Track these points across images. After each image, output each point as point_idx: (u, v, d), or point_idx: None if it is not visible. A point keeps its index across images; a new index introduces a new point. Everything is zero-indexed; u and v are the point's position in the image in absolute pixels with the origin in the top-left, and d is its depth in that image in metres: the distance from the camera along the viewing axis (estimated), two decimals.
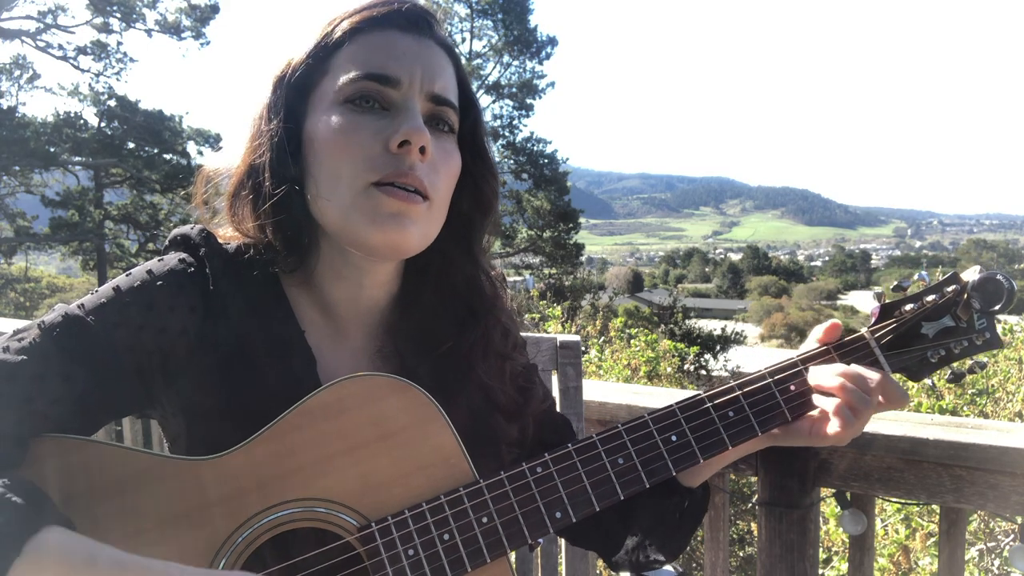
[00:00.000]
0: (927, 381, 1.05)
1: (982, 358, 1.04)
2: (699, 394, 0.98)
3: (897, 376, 1.03)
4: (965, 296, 1.00)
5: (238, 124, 1.02)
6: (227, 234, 1.01)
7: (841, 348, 1.01)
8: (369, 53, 0.93)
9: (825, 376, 0.98)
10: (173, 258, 0.94)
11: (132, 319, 0.88)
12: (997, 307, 1.00)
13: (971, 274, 1.02)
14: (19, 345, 0.84)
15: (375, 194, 0.90)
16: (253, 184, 0.95)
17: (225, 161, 1.03)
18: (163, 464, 0.85)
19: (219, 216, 1.04)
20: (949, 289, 1.02)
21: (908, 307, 1.02)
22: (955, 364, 1.04)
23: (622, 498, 0.92)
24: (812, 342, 1.05)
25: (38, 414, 0.82)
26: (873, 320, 1.04)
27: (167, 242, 0.99)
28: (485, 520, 0.88)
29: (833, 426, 0.97)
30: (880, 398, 0.98)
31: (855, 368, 0.98)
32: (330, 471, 0.87)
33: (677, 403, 0.97)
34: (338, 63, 0.94)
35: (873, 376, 0.97)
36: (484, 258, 1.08)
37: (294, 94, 0.95)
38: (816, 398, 1.00)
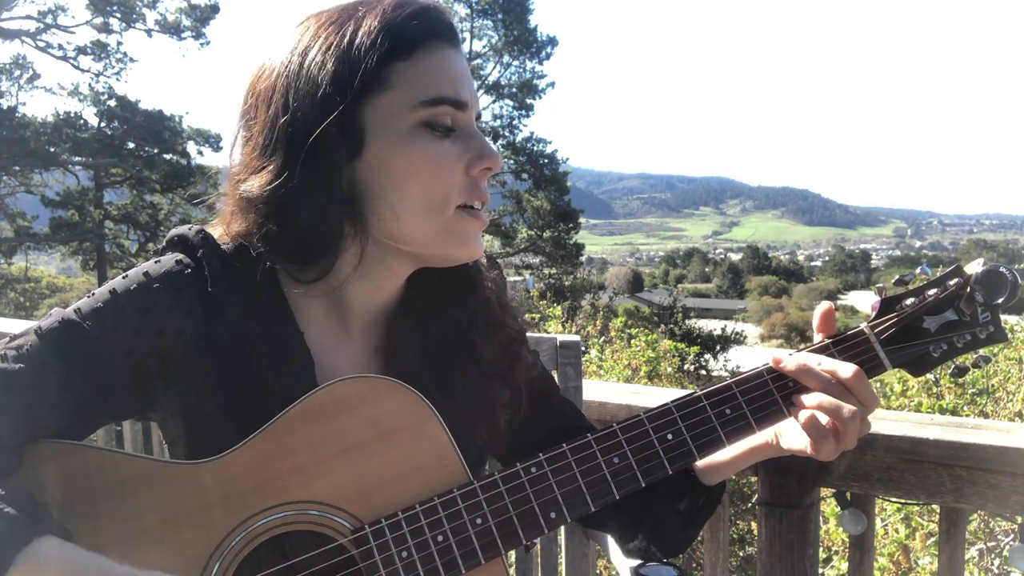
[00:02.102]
0: (929, 376, 1.03)
1: (986, 352, 1.01)
2: (695, 392, 0.97)
3: (899, 371, 1.01)
4: (968, 289, 0.98)
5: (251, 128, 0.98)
6: (227, 232, 0.99)
7: (840, 343, 0.99)
8: (439, 74, 0.91)
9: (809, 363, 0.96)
10: (170, 259, 0.92)
11: (129, 323, 0.87)
12: (1001, 300, 0.97)
13: (975, 267, 0.99)
14: (16, 353, 0.83)
15: (465, 218, 0.95)
16: (292, 207, 0.89)
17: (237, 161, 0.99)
18: (160, 467, 0.85)
19: (215, 215, 1.03)
20: (952, 282, 0.99)
21: (909, 301, 1.00)
22: (958, 358, 1.01)
23: (617, 498, 0.91)
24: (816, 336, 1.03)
25: (36, 422, 0.82)
26: (873, 315, 1.01)
27: (164, 243, 0.97)
28: (479, 521, 0.87)
29: (818, 424, 0.93)
30: (855, 396, 0.94)
31: (831, 360, 0.96)
32: (325, 473, 0.86)
33: (673, 401, 0.96)
34: (404, 79, 0.89)
35: (847, 367, 0.94)
36: None
37: (344, 107, 0.88)
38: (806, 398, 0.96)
